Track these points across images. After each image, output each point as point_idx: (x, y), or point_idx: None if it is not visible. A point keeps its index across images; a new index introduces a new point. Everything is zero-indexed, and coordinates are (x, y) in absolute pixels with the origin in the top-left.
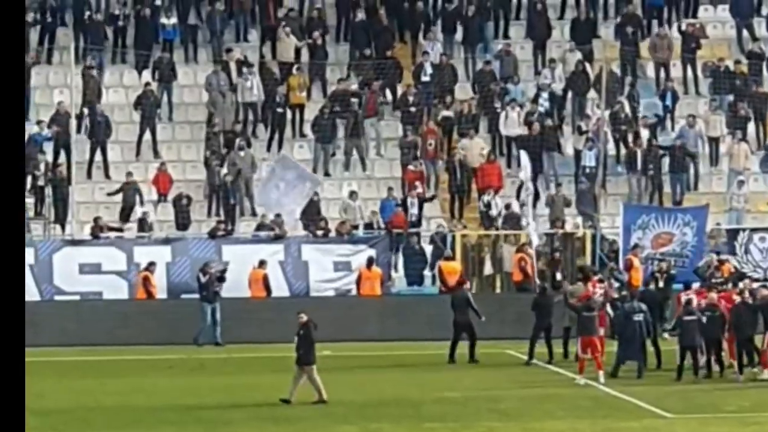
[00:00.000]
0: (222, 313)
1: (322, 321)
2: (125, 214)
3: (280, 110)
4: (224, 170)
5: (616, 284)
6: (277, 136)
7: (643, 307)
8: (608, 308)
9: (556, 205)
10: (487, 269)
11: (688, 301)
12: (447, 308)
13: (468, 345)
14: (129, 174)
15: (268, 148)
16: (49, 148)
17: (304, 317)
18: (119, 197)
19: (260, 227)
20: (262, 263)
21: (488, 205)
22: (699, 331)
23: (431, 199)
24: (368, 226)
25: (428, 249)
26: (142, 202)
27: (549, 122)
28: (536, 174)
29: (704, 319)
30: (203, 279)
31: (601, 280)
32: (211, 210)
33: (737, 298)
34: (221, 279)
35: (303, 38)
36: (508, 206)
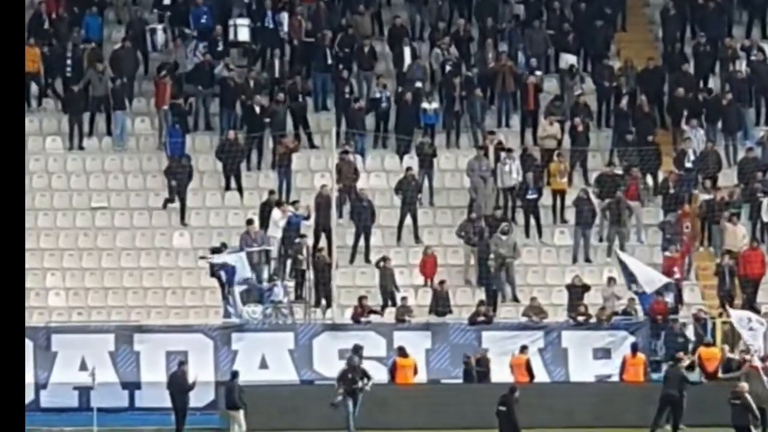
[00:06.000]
0: (483, 398)
1: (582, 406)
2: (385, 299)
3: (532, 196)
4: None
5: None
6: (533, 221)
7: None
8: None
9: None
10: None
11: None
12: (709, 394)
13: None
14: (386, 259)
15: (527, 234)
16: (308, 231)
17: None
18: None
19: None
20: (524, 349)
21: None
22: None
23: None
24: (626, 312)
25: (690, 335)
26: (396, 288)
27: None
28: None
29: None
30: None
31: None
32: (474, 296)
33: None
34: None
35: (564, 124)
36: None
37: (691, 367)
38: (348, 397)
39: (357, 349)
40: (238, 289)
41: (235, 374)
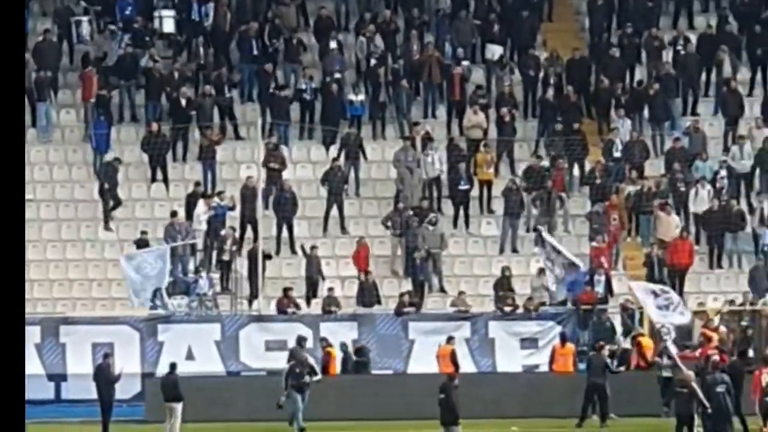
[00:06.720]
0: (410, 389)
1: (509, 396)
2: (311, 290)
3: (463, 186)
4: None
5: None
6: (462, 212)
7: (726, 378)
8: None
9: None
10: None
11: None
12: (640, 384)
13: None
14: (313, 248)
15: (455, 225)
16: (233, 222)
17: None
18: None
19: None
20: (450, 339)
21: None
22: None
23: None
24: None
25: (618, 325)
26: (323, 278)
27: (734, 202)
28: (720, 251)
29: None
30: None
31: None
32: (400, 287)
33: None
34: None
35: (491, 114)
36: None
37: (612, 357)
38: (295, 392)
39: (300, 340)
40: (164, 280)
41: (174, 366)
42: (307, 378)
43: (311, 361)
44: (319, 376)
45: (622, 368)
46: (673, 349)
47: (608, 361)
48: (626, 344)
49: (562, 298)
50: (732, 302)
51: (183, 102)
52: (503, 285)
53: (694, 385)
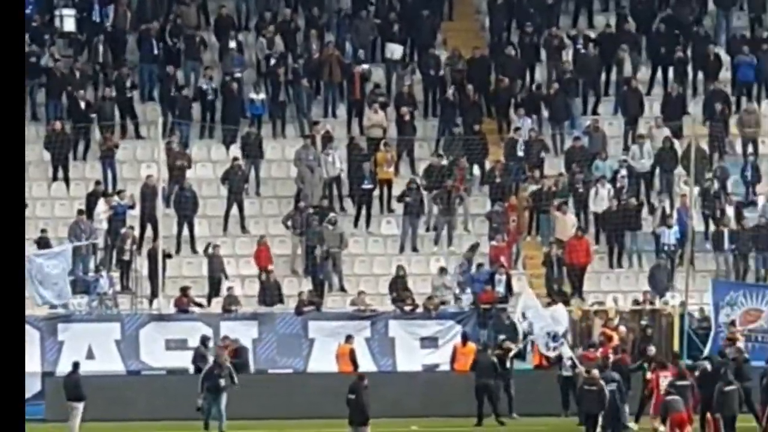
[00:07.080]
0: (310, 388)
1: (409, 396)
2: (213, 289)
3: (367, 186)
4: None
5: None
6: (364, 211)
7: (616, 376)
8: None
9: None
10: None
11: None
12: (541, 383)
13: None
14: (216, 247)
15: (356, 224)
16: (133, 221)
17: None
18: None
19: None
20: (348, 338)
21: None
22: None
23: None
24: (457, 301)
25: (519, 324)
26: (226, 277)
27: (633, 200)
28: (620, 250)
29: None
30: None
31: None
32: (300, 286)
33: None
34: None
35: (391, 114)
36: None
37: (519, 356)
38: (212, 394)
39: (204, 340)
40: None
41: (77, 365)
42: (222, 381)
43: (229, 364)
44: (236, 382)
45: (499, 370)
46: (567, 353)
47: (495, 360)
48: (518, 344)
49: (470, 301)
50: (635, 302)
51: (83, 101)
52: (399, 284)
53: (602, 382)
